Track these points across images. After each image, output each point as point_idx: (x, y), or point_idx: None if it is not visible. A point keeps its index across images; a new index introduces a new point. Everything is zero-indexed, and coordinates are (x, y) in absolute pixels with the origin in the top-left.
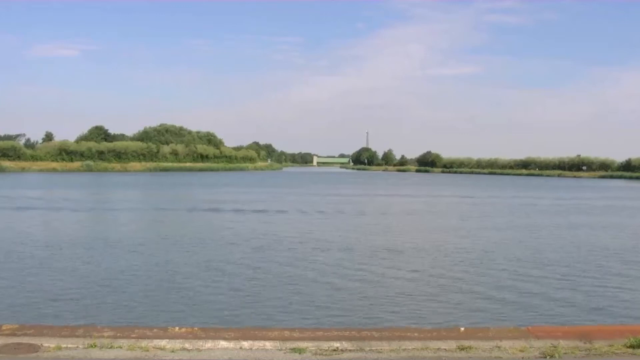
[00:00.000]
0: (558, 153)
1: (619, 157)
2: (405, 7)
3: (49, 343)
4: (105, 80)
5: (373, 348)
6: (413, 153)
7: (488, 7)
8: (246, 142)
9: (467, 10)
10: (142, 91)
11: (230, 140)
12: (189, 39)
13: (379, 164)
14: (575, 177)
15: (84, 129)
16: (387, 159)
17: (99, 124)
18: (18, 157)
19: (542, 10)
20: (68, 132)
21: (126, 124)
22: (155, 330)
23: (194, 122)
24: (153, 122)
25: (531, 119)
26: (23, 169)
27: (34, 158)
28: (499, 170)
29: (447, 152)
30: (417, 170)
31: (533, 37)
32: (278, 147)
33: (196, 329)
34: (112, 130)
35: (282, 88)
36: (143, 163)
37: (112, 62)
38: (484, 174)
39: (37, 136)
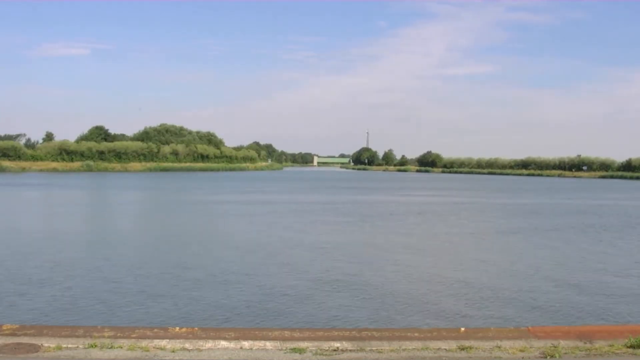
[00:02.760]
0: (565, 153)
1: (628, 157)
2: (432, 4)
3: (49, 343)
4: (108, 80)
5: (373, 348)
6: (415, 153)
7: (515, 5)
8: (247, 142)
9: (494, 8)
10: (144, 91)
11: (231, 140)
12: (200, 38)
13: (379, 164)
14: (575, 177)
15: (84, 129)
16: (388, 159)
17: (99, 123)
18: (18, 157)
19: (568, 8)
20: (68, 132)
21: (126, 124)
22: (155, 330)
23: (195, 122)
24: (153, 122)
25: (538, 118)
26: (23, 169)
27: (34, 158)
28: (498, 171)
29: (449, 152)
30: (418, 171)
31: (555, 36)
32: (278, 147)
33: (196, 329)
34: (113, 130)
35: (289, 88)
36: (143, 163)
37: (118, 62)
38: (484, 174)
39: (37, 136)
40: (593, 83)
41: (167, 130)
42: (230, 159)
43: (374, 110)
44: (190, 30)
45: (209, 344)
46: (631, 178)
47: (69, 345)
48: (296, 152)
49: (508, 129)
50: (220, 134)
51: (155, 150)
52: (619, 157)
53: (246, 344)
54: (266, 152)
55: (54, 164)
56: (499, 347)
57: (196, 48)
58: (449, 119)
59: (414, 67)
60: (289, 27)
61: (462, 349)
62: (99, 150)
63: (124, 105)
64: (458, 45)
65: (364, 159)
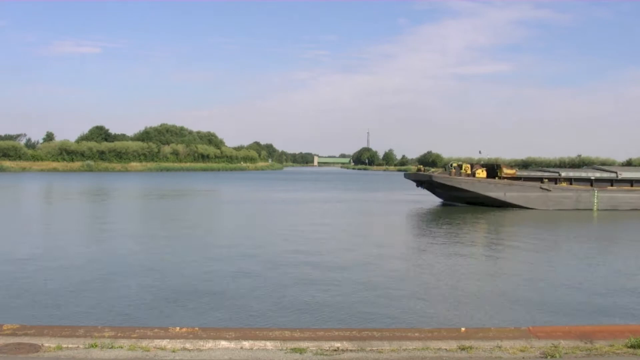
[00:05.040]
0: (566, 152)
1: (629, 157)
2: (457, 2)
3: (49, 343)
4: (114, 80)
5: (374, 348)
6: (416, 153)
7: (542, 2)
8: (247, 142)
9: (521, 5)
10: (148, 90)
11: (231, 140)
12: (213, 37)
13: (379, 164)
14: None
15: (85, 129)
16: (388, 159)
17: (99, 123)
18: (19, 157)
19: (593, 7)
20: (69, 132)
21: (127, 123)
22: (156, 330)
23: (195, 122)
24: (154, 122)
25: (543, 118)
26: (24, 169)
27: (34, 158)
28: None
29: (450, 152)
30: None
31: (576, 35)
32: (279, 147)
33: (197, 329)
34: (113, 130)
35: (297, 88)
36: (144, 163)
37: (127, 61)
38: None
39: (38, 136)
40: (606, 83)
41: (167, 130)
42: (230, 159)
43: (380, 110)
44: (202, 28)
45: (210, 344)
46: None
47: (70, 345)
48: (296, 152)
49: (513, 128)
50: (220, 134)
51: (156, 150)
52: (619, 157)
53: (246, 344)
54: (267, 152)
55: (55, 164)
56: (500, 347)
57: (206, 47)
58: (456, 119)
59: (429, 66)
60: (306, 26)
61: (463, 348)
62: (100, 150)
63: (126, 105)
64: (477, 43)
65: (364, 159)
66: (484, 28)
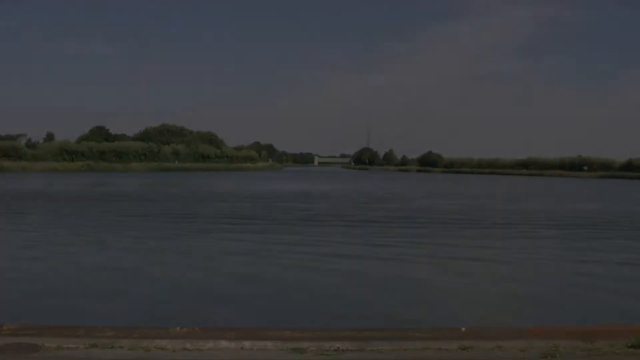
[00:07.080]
0: (575, 152)
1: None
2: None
3: (49, 343)
4: (118, 79)
5: (374, 348)
6: (416, 153)
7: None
8: (248, 142)
9: (538, 2)
10: (147, 91)
11: (232, 140)
12: (218, 37)
13: (380, 164)
14: (576, 177)
15: (85, 129)
16: (388, 158)
17: (99, 123)
18: (19, 157)
19: (617, 7)
20: (69, 132)
21: (127, 123)
22: (156, 330)
23: (195, 122)
24: (154, 122)
25: (548, 118)
26: (24, 169)
27: (35, 158)
28: (499, 171)
29: (452, 152)
30: (418, 171)
31: (591, 35)
32: (279, 147)
33: (197, 329)
34: (113, 130)
35: (298, 88)
36: (144, 163)
37: (133, 60)
38: (485, 174)
39: (38, 136)
40: (613, 83)
41: (167, 130)
42: (231, 159)
43: (382, 110)
44: (205, 28)
45: (210, 344)
46: (632, 178)
47: (70, 346)
48: (297, 152)
49: (516, 128)
50: (220, 134)
51: (156, 150)
52: (620, 157)
53: (247, 344)
54: (267, 152)
55: (55, 164)
56: (500, 347)
57: (208, 47)
58: (459, 119)
59: (442, 65)
60: (313, 25)
61: (463, 348)
62: (100, 150)
63: (127, 104)
64: (494, 42)
65: (364, 159)
66: (503, 27)
